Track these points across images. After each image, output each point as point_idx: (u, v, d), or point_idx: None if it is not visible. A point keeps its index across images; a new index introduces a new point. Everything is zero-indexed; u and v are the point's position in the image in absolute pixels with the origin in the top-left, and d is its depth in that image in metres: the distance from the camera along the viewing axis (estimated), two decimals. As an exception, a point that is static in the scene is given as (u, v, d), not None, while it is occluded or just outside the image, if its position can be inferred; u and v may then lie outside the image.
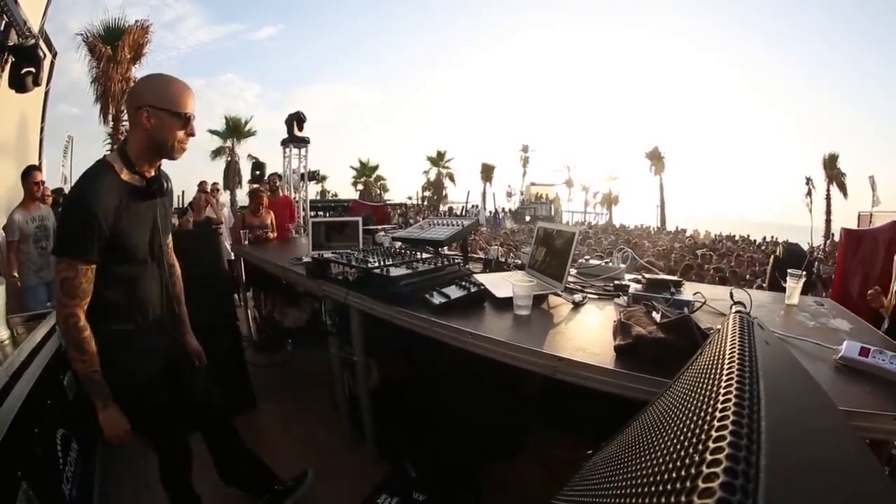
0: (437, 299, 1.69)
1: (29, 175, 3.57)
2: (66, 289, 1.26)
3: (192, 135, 1.42)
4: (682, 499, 0.29)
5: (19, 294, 3.41)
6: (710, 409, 0.38)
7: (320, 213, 14.31)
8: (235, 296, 4.12)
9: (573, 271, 2.26)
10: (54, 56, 6.05)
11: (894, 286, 2.26)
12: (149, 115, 1.32)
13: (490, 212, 30.70)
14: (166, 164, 1.51)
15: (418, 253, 2.24)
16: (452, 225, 2.59)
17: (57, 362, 2.00)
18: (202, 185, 6.54)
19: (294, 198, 8.72)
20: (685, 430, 0.39)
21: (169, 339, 1.64)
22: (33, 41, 4.20)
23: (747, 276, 6.86)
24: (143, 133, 1.34)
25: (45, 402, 1.71)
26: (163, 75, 1.39)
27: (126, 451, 2.39)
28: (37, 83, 4.33)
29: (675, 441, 0.39)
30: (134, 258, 1.42)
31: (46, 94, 6.27)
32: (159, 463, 1.66)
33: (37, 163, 5.87)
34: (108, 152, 1.43)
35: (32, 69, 4.20)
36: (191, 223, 5.06)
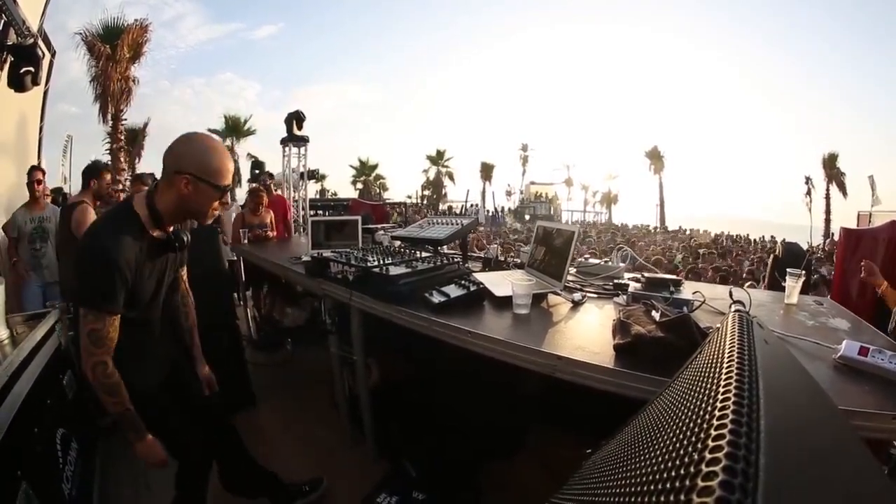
0: (436, 298, 1.69)
1: (29, 175, 3.61)
2: (94, 339, 1.24)
3: (225, 204, 1.45)
4: (682, 497, 0.29)
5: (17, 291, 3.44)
6: (709, 408, 0.38)
7: (320, 211, 14.28)
8: (235, 295, 4.11)
9: (572, 270, 2.26)
10: (53, 55, 6.04)
11: None
12: (188, 183, 1.28)
13: (489, 211, 30.71)
14: None
15: (417, 252, 2.24)
16: (452, 224, 2.59)
17: (56, 362, 2.00)
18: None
19: (293, 197, 8.72)
20: (684, 428, 0.39)
21: (170, 347, 1.68)
22: (32, 40, 4.19)
23: (744, 276, 6.85)
24: (177, 196, 1.31)
25: (45, 401, 1.71)
26: (206, 141, 1.35)
27: (126, 450, 2.39)
28: (36, 82, 4.32)
29: (674, 440, 0.39)
30: (141, 303, 1.40)
31: (45, 93, 6.26)
32: (179, 468, 1.64)
33: (36, 162, 5.86)
34: (134, 195, 1.38)
35: (31, 68, 4.19)
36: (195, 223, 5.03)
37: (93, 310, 1.24)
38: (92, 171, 3.17)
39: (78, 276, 1.28)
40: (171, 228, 1.41)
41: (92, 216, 3.10)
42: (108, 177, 3.34)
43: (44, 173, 3.72)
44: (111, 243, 1.24)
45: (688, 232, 23.74)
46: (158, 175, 1.40)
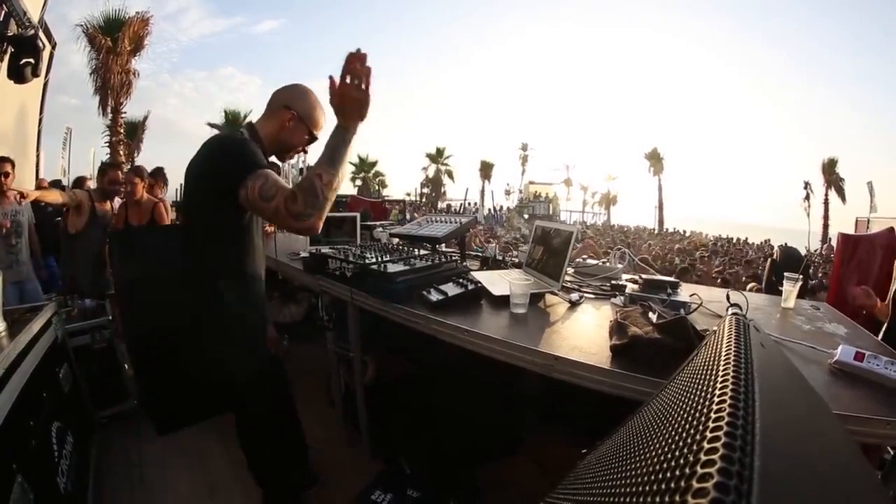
0: (434, 296, 1.69)
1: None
2: (266, 193, 1.28)
3: (306, 152, 1.62)
4: (677, 498, 0.29)
5: None
6: (705, 410, 0.38)
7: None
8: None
9: (570, 270, 2.26)
10: (53, 47, 6.03)
11: (895, 286, 2.24)
12: (292, 119, 1.50)
13: (488, 210, 30.72)
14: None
15: (416, 249, 2.24)
16: (450, 222, 2.59)
17: (53, 355, 2.00)
18: None
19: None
20: (680, 430, 0.39)
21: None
22: (33, 32, 4.18)
23: (744, 279, 6.85)
24: (279, 128, 1.51)
25: (41, 394, 1.71)
26: (318, 100, 1.55)
27: (121, 443, 2.40)
28: (36, 74, 4.31)
29: (669, 441, 0.39)
30: (258, 228, 1.57)
31: (45, 85, 6.25)
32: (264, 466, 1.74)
33: (34, 154, 5.84)
34: (243, 130, 1.52)
35: (31, 60, 4.18)
36: None
37: (251, 173, 1.29)
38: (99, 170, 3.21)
39: (225, 162, 1.36)
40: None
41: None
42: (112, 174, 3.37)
43: (13, 165, 3.35)
44: (247, 140, 1.42)
45: (687, 234, 23.76)
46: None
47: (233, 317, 1.53)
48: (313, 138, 1.57)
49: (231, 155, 1.37)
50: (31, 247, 3.54)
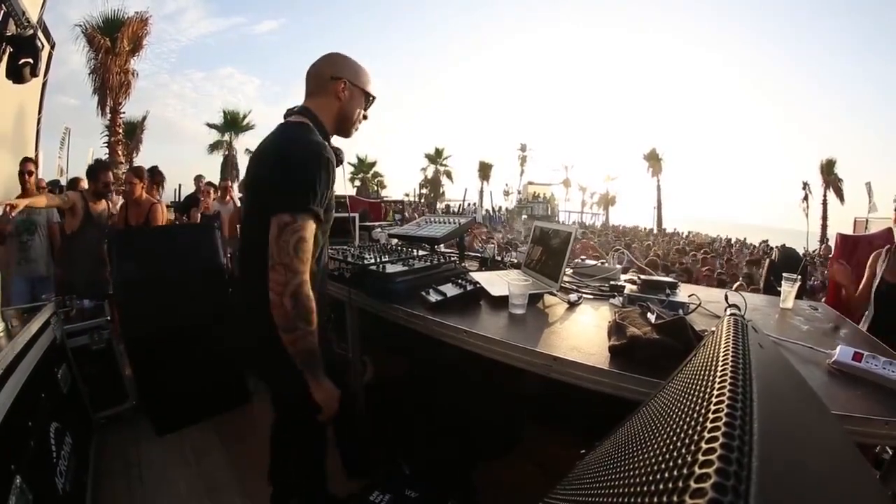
0: (433, 297, 1.69)
1: (20, 166, 3.56)
2: (300, 250, 1.13)
3: (367, 118, 1.48)
4: (674, 498, 0.29)
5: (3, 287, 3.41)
6: (702, 411, 0.38)
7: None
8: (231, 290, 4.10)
9: (569, 271, 2.26)
10: (52, 47, 6.02)
11: (876, 281, 2.26)
12: (345, 87, 1.35)
13: (487, 210, 30.71)
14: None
15: (415, 250, 2.24)
16: (449, 223, 2.59)
17: (51, 355, 2.00)
18: (200, 178, 6.48)
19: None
20: (678, 430, 0.39)
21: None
22: (32, 31, 4.16)
23: (740, 280, 6.85)
24: (337, 103, 1.37)
25: (39, 395, 1.71)
26: (354, 59, 1.41)
27: (119, 443, 2.40)
28: (34, 74, 4.29)
29: (667, 441, 0.39)
30: (328, 224, 1.37)
31: (44, 85, 6.24)
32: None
33: (34, 154, 5.84)
34: (295, 119, 1.37)
35: (30, 60, 4.16)
36: (199, 216, 5.00)
37: (301, 213, 1.14)
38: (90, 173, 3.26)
39: (280, 176, 1.18)
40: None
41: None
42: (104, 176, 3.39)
43: (36, 165, 3.66)
44: (313, 141, 1.23)
45: (684, 234, 23.76)
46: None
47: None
48: (371, 99, 1.45)
49: (285, 172, 1.20)
50: (54, 245, 3.60)
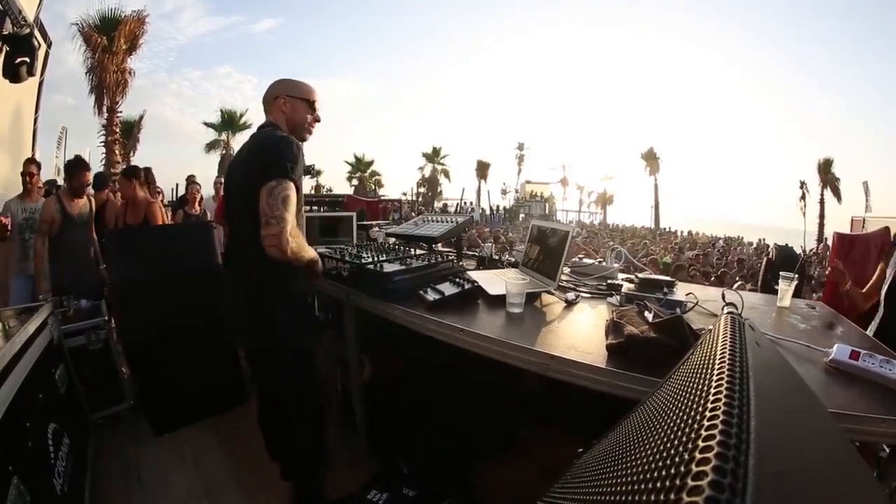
0: (430, 296, 1.69)
1: (24, 167, 3.58)
2: (288, 204, 1.47)
3: (318, 120, 1.78)
4: (672, 496, 0.29)
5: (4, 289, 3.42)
6: (700, 409, 0.38)
7: (314, 207, 14.18)
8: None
9: (566, 270, 2.26)
10: (49, 46, 6.00)
11: (887, 283, 2.26)
12: (284, 102, 1.68)
13: (483, 209, 30.68)
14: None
15: (412, 249, 2.24)
16: (446, 222, 2.59)
17: (49, 356, 1.99)
18: (193, 178, 6.44)
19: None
20: (675, 429, 0.39)
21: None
22: (28, 30, 4.15)
23: (737, 279, 6.87)
24: (282, 116, 1.69)
25: (37, 395, 1.70)
26: (293, 79, 1.74)
27: (117, 444, 2.39)
28: (31, 73, 4.29)
29: (665, 440, 0.40)
30: (301, 206, 1.66)
31: (41, 84, 6.23)
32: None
33: (31, 153, 5.83)
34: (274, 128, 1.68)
35: (27, 59, 4.15)
36: (181, 216, 4.98)
37: (286, 178, 1.48)
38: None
39: (271, 158, 1.51)
40: None
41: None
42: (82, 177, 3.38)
43: (38, 167, 3.68)
44: (294, 140, 1.59)
45: (684, 234, 23.76)
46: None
47: (292, 293, 1.69)
48: (312, 105, 1.73)
49: (275, 154, 1.52)
50: None
